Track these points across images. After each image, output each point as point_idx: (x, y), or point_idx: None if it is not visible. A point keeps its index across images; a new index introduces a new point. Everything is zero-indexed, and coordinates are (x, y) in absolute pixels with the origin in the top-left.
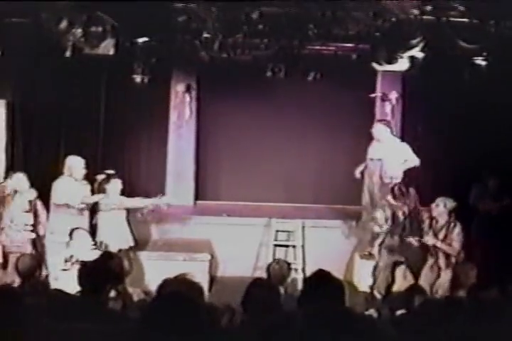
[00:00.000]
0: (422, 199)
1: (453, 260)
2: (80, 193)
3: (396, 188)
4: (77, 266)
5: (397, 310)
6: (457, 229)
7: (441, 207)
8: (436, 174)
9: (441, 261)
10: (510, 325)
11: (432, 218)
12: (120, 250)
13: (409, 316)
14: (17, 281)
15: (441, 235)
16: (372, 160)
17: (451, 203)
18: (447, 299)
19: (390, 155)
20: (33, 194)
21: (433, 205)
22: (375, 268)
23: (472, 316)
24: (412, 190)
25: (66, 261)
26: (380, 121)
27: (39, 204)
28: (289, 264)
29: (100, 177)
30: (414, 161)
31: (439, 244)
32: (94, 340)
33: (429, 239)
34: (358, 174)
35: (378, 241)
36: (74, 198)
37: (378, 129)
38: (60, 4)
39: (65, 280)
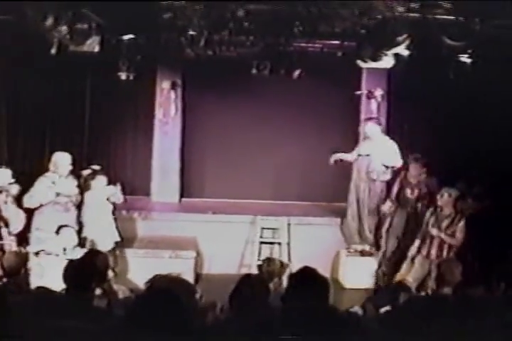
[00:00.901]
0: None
1: (445, 252)
2: (65, 189)
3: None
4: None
5: (381, 307)
6: (462, 223)
7: (445, 197)
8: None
9: (433, 252)
10: (495, 322)
11: (435, 208)
12: (109, 250)
13: (394, 313)
14: (2, 279)
15: (444, 224)
16: (360, 156)
17: (455, 192)
18: (432, 296)
19: (379, 152)
20: (15, 189)
21: (438, 196)
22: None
23: (457, 313)
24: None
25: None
26: (370, 119)
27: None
28: (282, 262)
29: (86, 172)
30: (396, 162)
31: (442, 236)
32: (79, 338)
33: (433, 230)
34: (332, 161)
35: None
36: (57, 196)
37: (369, 127)
38: (45, 2)
39: (50, 277)
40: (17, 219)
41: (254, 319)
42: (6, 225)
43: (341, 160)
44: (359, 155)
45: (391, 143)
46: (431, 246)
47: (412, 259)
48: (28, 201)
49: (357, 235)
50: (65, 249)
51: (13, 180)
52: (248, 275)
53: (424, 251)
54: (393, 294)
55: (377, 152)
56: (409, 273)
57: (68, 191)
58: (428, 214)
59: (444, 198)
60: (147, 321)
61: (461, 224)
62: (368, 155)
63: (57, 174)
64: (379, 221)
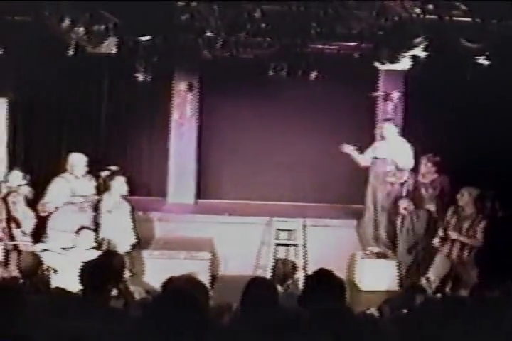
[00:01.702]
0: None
1: (466, 252)
2: (81, 190)
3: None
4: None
5: (398, 309)
6: (483, 224)
7: (466, 196)
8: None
9: (454, 252)
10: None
11: (457, 208)
12: (127, 252)
13: (410, 315)
14: (19, 279)
15: (465, 225)
16: (377, 159)
17: (476, 191)
18: (448, 298)
19: (395, 154)
20: (27, 190)
21: (458, 195)
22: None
23: (473, 315)
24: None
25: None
26: (388, 120)
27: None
28: (293, 263)
29: (104, 173)
30: (409, 164)
31: (462, 238)
32: (96, 339)
33: (453, 234)
34: (345, 148)
35: None
36: (72, 196)
37: (386, 128)
38: (62, 3)
39: (66, 277)
40: (27, 220)
41: (267, 321)
42: (19, 226)
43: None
44: (375, 157)
45: (406, 145)
46: (452, 246)
47: None
48: (43, 208)
49: (373, 237)
50: (64, 248)
51: (24, 182)
52: (255, 278)
53: (445, 250)
54: (409, 296)
55: (393, 154)
56: (429, 272)
57: (84, 192)
58: (449, 213)
59: (465, 198)
60: (163, 322)
61: (482, 225)
62: (384, 157)
63: (74, 175)
64: (395, 223)
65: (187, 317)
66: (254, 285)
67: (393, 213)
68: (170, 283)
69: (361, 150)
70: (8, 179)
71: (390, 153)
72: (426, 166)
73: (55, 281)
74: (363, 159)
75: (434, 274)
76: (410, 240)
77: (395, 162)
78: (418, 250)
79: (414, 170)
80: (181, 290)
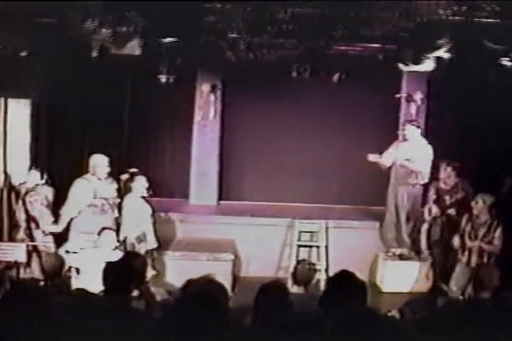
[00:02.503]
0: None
1: (485, 259)
2: (103, 191)
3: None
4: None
5: (419, 312)
6: (500, 229)
7: (480, 204)
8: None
9: (474, 260)
10: None
11: (471, 215)
12: (147, 252)
13: (432, 318)
14: (41, 280)
15: (481, 232)
16: (398, 160)
17: (490, 198)
18: (470, 300)
19: (416, 156)
20: (46, 190)
21: (472, 203)
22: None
23: (495, 317)
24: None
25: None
26: (410, 121)
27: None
28: (313, 265)
29: (124, 176)
30: (428, 166)
31: (478, 244)
32: (117, 339)
33: (469, 242)
34: (371, 158)
35: None
36: (94, 198)
37: (409, 130)
38: (87, 4)
39: (87, 278)
40: (43, 219)
41: (282, 323)
42: (38, 226)
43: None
44: (397, 159)
45: (428, 147)
46: (471, 254)
47: None
48: (66, 212)
49: (395, 239)
50: (85, 250)
51: (42, 182)
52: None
53: (464, 259)
54: (431, 298)
55: (414, 156)
56: (452, 281)
57: (105, 193)
58: (464, 221)
59: (479, 205)
60: (184, 323)
61: (499, 231)
62: (406, 159)
63: (96, 176)
64: (416, 225)
65: (207, 319)
66: (266, 289)
67: (415, 215)
68: (189, 284)
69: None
70: (27, 179)
71: (412, 154)
72: (446, 171)
73: (77, 282)
74: (386, 161)
75: (455, 284)
76: (434, 243)
77: (417, 164)
78: (440, 253)
79: (436, 174)
80: (202, 291)
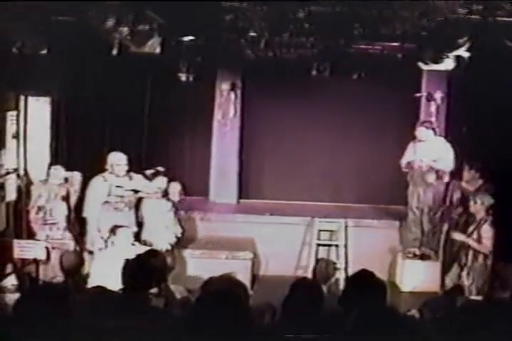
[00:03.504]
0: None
1: (479, 260)
2: (120, 190)
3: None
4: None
5: (439, 311)
6: (486, 225)
7: (478, 204)
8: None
9: (469, 259)
10: None
11: (469, 214)
12: (167, 250)
13: (451, 317)
14: (60, 278)
15: (470, 228)
16: (418, 160)
17: (489, 200)
18: (489, 300)
19: (436, 155)
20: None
21: (471, 202)
22: None
23: None
24: None
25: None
26: (422, 123)
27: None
28: (334, 264)
29: (149, 172)
30: (450, 165)
31: (466, 240)
32: (136, 337)
33: (455, 235)
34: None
35: None
36: (111, 195)
37: (420, 131)
38: (107, 2)
39: (106, 276)
40: (59, 213)
41: (308, 322)
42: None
43: (408, 163)
44: (421, 160)
45: (447, 146)
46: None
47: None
48: (87, 213)
49: (416, 238)
50: (101, 247)
51: (62, 182)
52: (302, 278)
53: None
54: (450, 298)
55: (433, 155)
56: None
57: (122, 191)
58: (462, 220)
59: (477, 205)
60: (204, 321)
61: (484, 228)
62: (425, 159)
63: (114, 174)
64: (437, 225)
65: (228, 317)
66: (300, 286)
67: (435, 215)
68: (210, 283)
69: None
70: (49, 175)
71: (431, 154)
72: (469, 173)
73: (95, 280)
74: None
75: (472, 284)
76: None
77: (436, 163)
78: (462, 253)
79: (459, 175)
80: (223, 290)
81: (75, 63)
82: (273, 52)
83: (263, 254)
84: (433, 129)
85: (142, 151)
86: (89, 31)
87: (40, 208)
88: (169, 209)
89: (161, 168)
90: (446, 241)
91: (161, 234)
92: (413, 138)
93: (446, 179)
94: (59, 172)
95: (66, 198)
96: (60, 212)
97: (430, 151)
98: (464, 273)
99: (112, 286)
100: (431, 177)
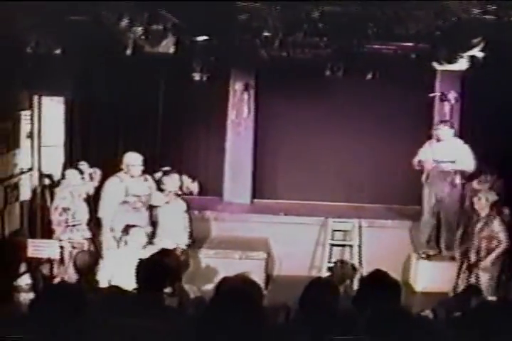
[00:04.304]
0: None
1: (495, 260)
2: (136, 190)
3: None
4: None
5: (453, 311)
6: (496, 221)
7: (483, 201)
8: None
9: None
10: None
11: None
12: (181, 250)
13: (466, 317)
14: (74, 277)
15: (478, 226)
16: (436, 161)
17: (493, 197)
18: (505, 300)
19: (455, 156)
20: (88, 187)
21: (475, 199)
22: None
23: None
24: None
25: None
26: (444, 122)
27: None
28: (352, 265)
29: (158, 174)
30: (470, 166)
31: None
32: (150, 337)
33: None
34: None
35: None
36: (126, 195)
37: (442, 130)
38: (121, 2)
39: (120, 277)
40: (81, 214)
41: (323, 321)
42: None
43: (419, 162)
44: (438, 161)
45: (465, 146)
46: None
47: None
48: (102, 213)
49: (430, 239)
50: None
51: (79, 179)
52: (319, 278)
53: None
54: (465, 298)
55: (453, 156)
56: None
57: (138, 191)
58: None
59: (482, 202)
60: (219, 321)
61: (495, 224)
62: (444, 160)
63: (129, 174)
64: (453, 226)
65: (243, 317)
66: (317, 285)
67: (453, 215)
68: (224, 282)
69: None
70: (65, 177)
71: (450, 155)
72: (483, 173)
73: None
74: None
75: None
76: (474, 243)
77: (456, 164)
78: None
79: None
80: (237, 289)
81: (89, 63)
82: (287, 52)
83: (277, 254)
84: (454, 129)
85: (156, 151)
86: (104, 31)
87: (64, 209)
88: (185, 209)
89: (166, 168)
90: (462, 240)
91: (176, 235)
92: (428, 137)
93: (463, 181)
94: (84, 167)
95: (87, 198)
96: (82, 213)
97: (448, 151)
98: (481, 274)
99: (123, 285)
100: (452, 178)
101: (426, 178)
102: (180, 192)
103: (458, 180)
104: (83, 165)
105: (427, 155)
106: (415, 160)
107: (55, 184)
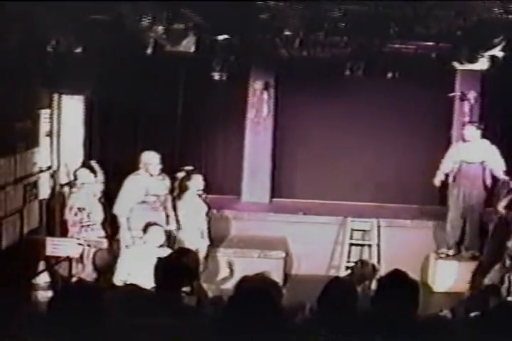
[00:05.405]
0: None
1: None
2: (154, 188)
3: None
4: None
5: (472, 312)
6: None
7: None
8: None
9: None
10: None
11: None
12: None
13: (484, 318)
14: (93, 276)
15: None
16: (471, 164)
17: None
18: None
19: (485, 157)
20: (99, 187)
21: (504, 200)
22: None
23: None
24: None
25: None
26: (471, 122)
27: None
28: (374, 266)
29: (180, 174)
30: (501, 166)
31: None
32: (168, 336)
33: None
34: (437, 183)
35: None
36: (146, 194)
37: (470, 130)
38: (142, 1)
39: (138, 276)
40: (96, 214)
41: (342, 321)
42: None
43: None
44: (467, 162)
45: (492, 147)
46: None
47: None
48: (118, 210)
49: (453, 239)
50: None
51: (93, 180)
52: (337, 278)
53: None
54: (484, 298)
55: (482, 157)
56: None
57: (157, 190)
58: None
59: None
60: (238, 320)
61: None
62: (473, 161)
63: (148, 173)
64: (478, 227)
65: (262, 316)
66: (335, 284)
67: (480, 215)
68: (244, 282)
69: None
70: (77, 177)
71: (478, 155)
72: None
73: (121, 277)
74: (447, 167)
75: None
76: (498, 244)
77: (486, 164)
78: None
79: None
80: (257, 289)
81: (110, 62)
82: (307, 52)
83: (295, 253)
84: (481, 130)
85: (175, 150)
86: (124, 30)
87: (79, 209)
88: (206, 210)
89: (189, 167)
90: (490, 241)
91: (195, 235)
92: (449, 137)
93: (491, 181)
94: (96, 166)
95: (101, 197)
96: (97, 213)
97: (476, 152)
98: (506, 275)
99: (140, 284)
100: (479, 179)
101: (453, 178)
102: (202, 193)
103: (488, 180)
104: (95, 165)
105: (456, 156)
106: (446, 168)
107: (71, 183)
